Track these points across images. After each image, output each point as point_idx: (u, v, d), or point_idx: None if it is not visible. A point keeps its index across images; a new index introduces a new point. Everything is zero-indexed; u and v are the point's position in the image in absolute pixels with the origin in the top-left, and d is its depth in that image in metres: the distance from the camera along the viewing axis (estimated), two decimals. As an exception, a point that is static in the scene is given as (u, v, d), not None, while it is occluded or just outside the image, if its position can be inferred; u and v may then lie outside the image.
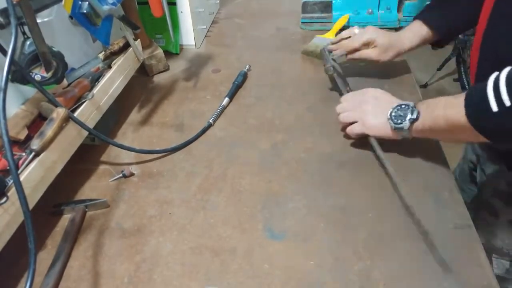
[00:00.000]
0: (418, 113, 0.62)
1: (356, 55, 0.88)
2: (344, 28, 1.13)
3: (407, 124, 0.62)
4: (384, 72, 0.95)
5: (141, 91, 0.95)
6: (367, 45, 0.85)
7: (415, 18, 0.86)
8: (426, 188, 0.65)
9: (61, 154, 0.62)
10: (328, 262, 0.55)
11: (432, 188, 0.65)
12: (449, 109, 0.57)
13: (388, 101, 0.69)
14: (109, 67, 0.79)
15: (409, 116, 0.62)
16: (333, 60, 0.86)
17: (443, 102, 0.59)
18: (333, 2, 1.16)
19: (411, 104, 0.63)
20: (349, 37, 0.89)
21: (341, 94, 0.82)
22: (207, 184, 0.69)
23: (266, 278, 0.54)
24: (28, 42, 0.57)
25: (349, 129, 0.72)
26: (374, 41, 0.84)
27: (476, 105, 0.53)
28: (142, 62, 0.91)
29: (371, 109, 0.70)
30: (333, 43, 0.91)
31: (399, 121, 0.63)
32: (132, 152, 0.75)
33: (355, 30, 0.89)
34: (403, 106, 0.64)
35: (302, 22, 1.21)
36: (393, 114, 0.65)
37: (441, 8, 0.83)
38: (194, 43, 1.13)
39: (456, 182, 0.66)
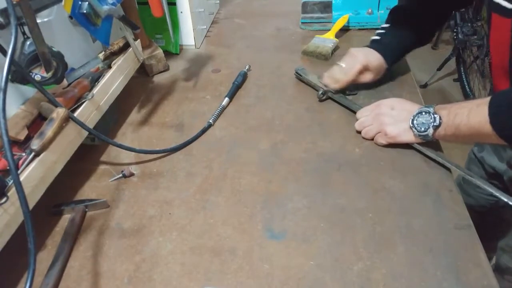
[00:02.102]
0: (440, 118, 0.63)
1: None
2: (343, 28, 1.13)
3: (431, 131, 0.64)
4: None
5: (141, 91, 0.95)
6: (361, 72, 0.84)
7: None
8: (426, 188, 0.65)
9: (61, 154, 0.62)
10: (328, 262, 0.55)
11: (432, 188, 0.65)
12: (473, 117, 0.58)
13: (404, 109, 0.70)
14: (109, 67, 0.79)
15: (432, 123, 0.63)
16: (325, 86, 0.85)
17: (466, 110, 0.60)
18: (333, 2, 1.16)
19: (431, 110, 0.64)
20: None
21: (351, 111, 0.81)
22: (207, 184, 0.69)
23: (266, 278, 0.54)
24: (28, 42, 0.57)
25: (374, 141, 0.73)
26: (367, 66, 0.83)
27: (502, 116, 0.54)
28: (142, 62, 0.91)
29: (389, 119, 0.70)
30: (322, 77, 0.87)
31: (422, 128, 0.64)
32: (132, 152, 0.75)
33: (342, 64, 0.84)
34: (423, 113, 0.64)
35: (302, 22, 1.21)
36: (415, 122, 0.66)
37: (390, 38, 0.86)
38: (194, 43, 1.13)
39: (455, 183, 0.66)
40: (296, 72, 0.94)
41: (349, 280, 0.53)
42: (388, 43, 0.85)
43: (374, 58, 0.83)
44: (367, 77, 0.85)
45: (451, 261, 0.54)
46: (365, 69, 0.83)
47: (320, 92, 0.85)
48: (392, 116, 0.70)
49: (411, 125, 0.66)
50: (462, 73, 2.52)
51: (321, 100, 0.86)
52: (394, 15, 0.88)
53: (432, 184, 0.65)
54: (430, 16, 0.85)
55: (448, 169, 0.68)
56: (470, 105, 0.59)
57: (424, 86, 2.65)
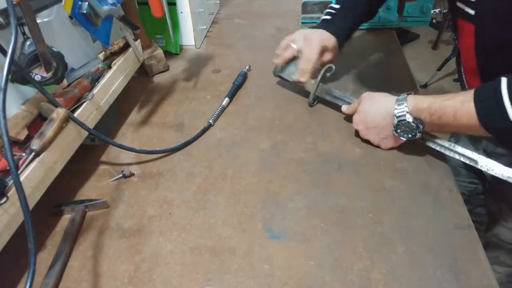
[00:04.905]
0: (422, 123, 0.63)
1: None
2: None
3: (419, 135, 0.64)
4: (384, 72, 0.95)
5: (141, 91, 0.95)
6: (321, 54, 0.83)
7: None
8: (426, 188, 0.65)
9: (61, 154, 0.62)
10: (328, 262, 0.55)
11: (432, 188, 0.65)
12: (459, 118, 0.58)
13: (378, 114, 0.69)
14: (109, 67, 0.79)
15: (416, 130, 0.64)
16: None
17: (451, 110, 0.59)
18: (333, 2, 1.16)
19: (410, 118, 0.63)
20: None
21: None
22: (207, 184, 0.69)
23: (266, 278, 0.54)
24: (28, 42, 0.57)
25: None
26: (326, 47, 0.83)
27: (492, 115, 0.55)
28: (142, 62, 0.91)
29: (374, 133, 0.71)
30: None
31: (410, 135, 0.65)
32: (132, 152, 0.75)
33: (293, 45, 0.83)
34: (403, 122, 0.64)
35: (302, 22, 1.21)
36: (399, 131, 0.66)
37: (340, 20, 0.86)
38: (194, 43, 1.13)
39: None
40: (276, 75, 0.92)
41: (349, 280, 0.53)
42: (340, 26, 0.85)
43: (330, 40, 0.83)
44: (327, 57, 0.85)
45: (451, 261, 0.54)
46: (324, 50, 0.83)
47: (310, 98, 0.85)
48: (374, 129, 0.71)
49: (396, 134, 0.67)
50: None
51: (311, 106, 0.86)
52: None
53: (432, 184, 0.65)
54: None
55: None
56: (453, 103, 0.59)
57: (424, 86, 2.65)
